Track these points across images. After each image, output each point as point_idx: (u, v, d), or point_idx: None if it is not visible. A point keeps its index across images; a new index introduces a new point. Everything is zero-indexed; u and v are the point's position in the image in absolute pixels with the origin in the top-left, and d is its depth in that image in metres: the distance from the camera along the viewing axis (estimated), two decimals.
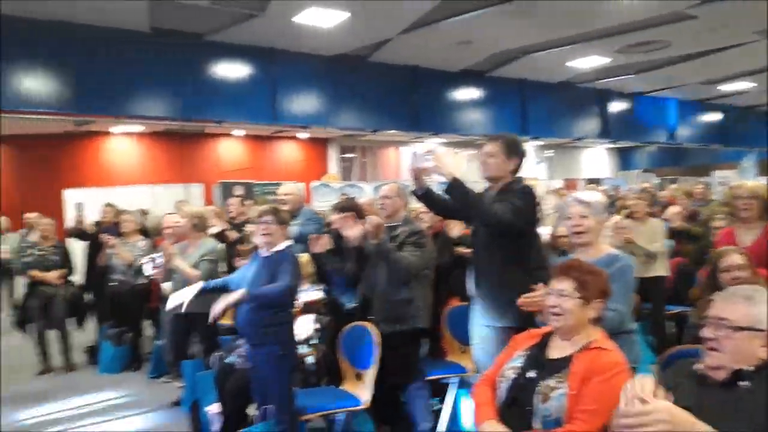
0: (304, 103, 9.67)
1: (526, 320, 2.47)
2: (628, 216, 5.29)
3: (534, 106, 12.50)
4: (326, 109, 9.89)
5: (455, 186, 2.68)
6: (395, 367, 3.39)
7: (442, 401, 3.84)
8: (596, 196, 2.63)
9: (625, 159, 18.91)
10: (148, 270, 4.85)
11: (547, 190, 10.90)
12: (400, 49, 9.45)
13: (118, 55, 7.44)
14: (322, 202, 10.14)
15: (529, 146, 15.02)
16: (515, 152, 2.92)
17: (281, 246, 3.23)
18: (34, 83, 6.90)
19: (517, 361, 2.10)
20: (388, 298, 3.41)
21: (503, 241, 2.79)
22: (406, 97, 10.76)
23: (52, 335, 5.64)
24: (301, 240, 4.23)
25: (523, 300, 2.36)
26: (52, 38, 6.96)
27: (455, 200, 2.78)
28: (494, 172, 2.92)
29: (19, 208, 8.98)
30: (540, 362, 2.04)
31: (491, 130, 10.81)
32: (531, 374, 2.02)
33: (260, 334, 3.14)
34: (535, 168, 15.07)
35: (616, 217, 5.38)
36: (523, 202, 2.77)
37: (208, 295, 3.32)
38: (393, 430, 3.59)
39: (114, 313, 5.67)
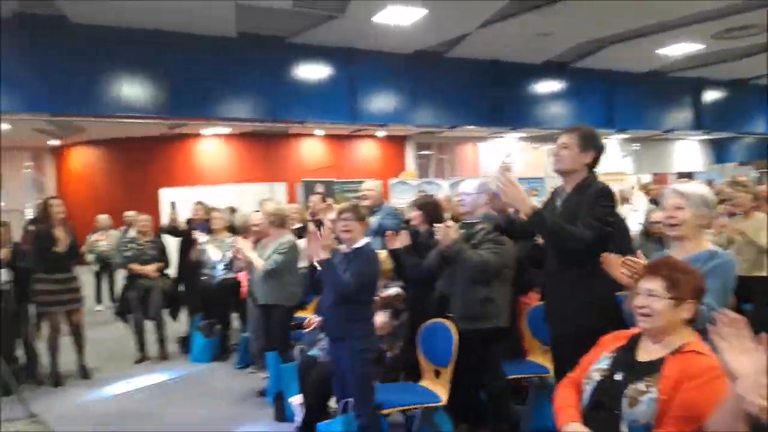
0: (383, 101, 9.76)
1: (611, 322, 2.36)
2: (730, 212, 4.95)
3: (620, 97, 11.97)
4: (404, 107, 9.93)
5: (535, 220, 2.61)
6: (474, 365, 3.36)
7: (522, 402, 3.77)
8: (697, 188, 2.39)
9: (719, 151, 17.72)
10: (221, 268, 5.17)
11: (636, 185, 10.41)
12: (479, 43, 9.33)
13: (208, 60, 7.82)
14: (400, 199, 10.21)
15: (615, 139, 14.42)
16: (591, 145, 2.75)
17: (360, 243, 3.27)
18: (132, 89, 7.38)
19: (603, 362, 2.02)
20: (467, 296, 3.38)
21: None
22: (485, 91, 10.62)
23: (149, 326, 6.01)
24: (380, 233, 4.29)
25: (624, 261, 2.23)
26: (148, 46, 7.41)
27: (538, 232, 2.83)
28: (567, 165, 2.77)
29: (119, 207, 9.63)
30: (628, 365, 1.95)
31: (574, 123, 10.44)
32: (618, 377, 1.94)
33: (341, 328, 3.21)
34: (621, 162, 14.42)
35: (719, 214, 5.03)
36: (602, 210, 2.62)
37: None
38: (471, 429, 3.56)
39: (204, 306, 5.97)
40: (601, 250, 2.45)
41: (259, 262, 4.54)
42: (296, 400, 3.89)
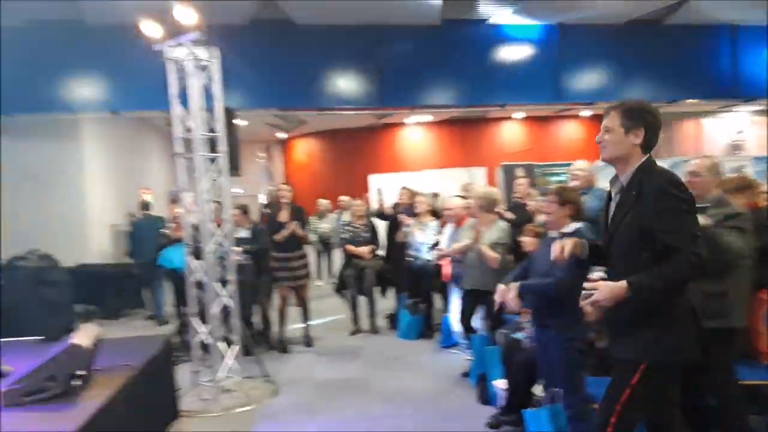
0: (590, 78, 9.19)
1: None
2: None
3: None
4: (614, 83, 9.23)
5: (637, 292, 2.15)
6: (702, 366, 3.02)
7: (761, 411, 3.31)
8: None
9: None
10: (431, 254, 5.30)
11: None
12: (703, 7, 8.25)
13: (414, 50, 8.10)
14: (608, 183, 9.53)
15: None
16: (638, 121, 2.27)
17: (569, 228, 3.12)
18: (347, 84, 7.97)
19: None
20: (696, 290, 3.03)
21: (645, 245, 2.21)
22: (712, 60, 9.38)
23: (362, 301, 6.50)
24: (588, 218, 4.05)
25: None
26: (361, 43, 7.92)
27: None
28: (612, 153, 2.33)
29: (335, 192, 10.50)
30: None
31: None
32: None
33: (549, 315, 3.12)
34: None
35: None
36: (674, 217, 2.12)
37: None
38: None
39: (410, 285, 6.27)
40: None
41: (492, 256, 4.51)
42: (500, 384, 3.90)
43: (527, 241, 3.96)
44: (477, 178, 11.81)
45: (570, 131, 14.31)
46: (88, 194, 9.37)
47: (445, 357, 5.49)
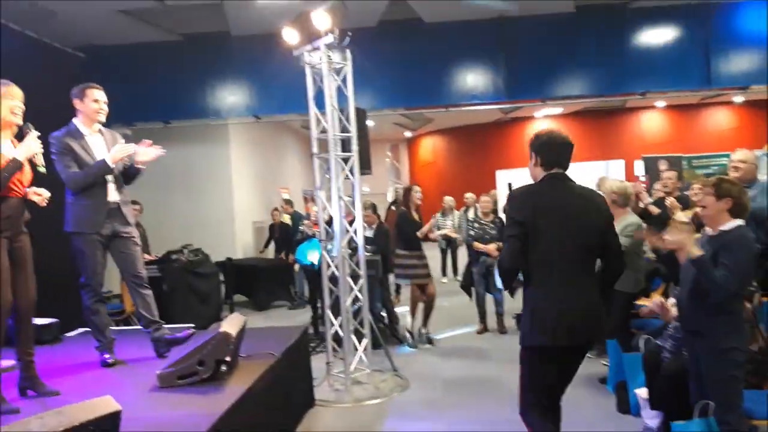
0: (746, 60, 8.25)
1: None
2: None
3: None
4: None
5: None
6: None
7: None
8: None
9: None
10: None
11: None
12: None
13: (544, 40, 7.80)
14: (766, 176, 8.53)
15: None
16: None
17: (728, 225, 2.81)
18: (474, 78, 7.88)
19: None
20: None
21: None
22: None
23: (489, 299, 6.39)
24: (752, 216, 3.64)
25: None
26: (490, 36, 7.78)
27: None
28: None
29: (461, 189, 10.44)
30: None
31: None
32: None
33: (701, 321, 2.85)
34: None
35: None
36: None
37: None
38: None
39: None
40: None
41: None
42: (642, 393, 3.65)
43: (674, 240, 3.63)
44: (614, 172, 11.14)
45: (719, 119, 13.06)
46: (235, 194, 10.20)
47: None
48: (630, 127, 14.13)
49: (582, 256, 2.55)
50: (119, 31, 7.23)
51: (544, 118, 15.88)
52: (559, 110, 14.66)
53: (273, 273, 8.94)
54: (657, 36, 8.15)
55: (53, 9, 6.20)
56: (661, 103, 12.88)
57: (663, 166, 9.24)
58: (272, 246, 9.60)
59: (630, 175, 11.62)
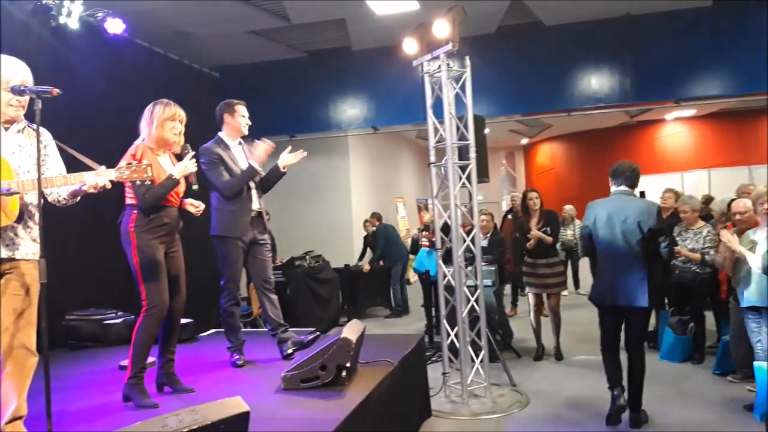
0: None
1: None
2: None
3: None
4: None
5: None
6: None
7: None
8: None
9: None
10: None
11: None
12: None
13: (677, 37, 7.25)
14: None
15: None
16: None
17: None
18: (597, 81, 7.49)
19: None
20: None
21: None
22: None
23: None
24: None
25: None
26: (614, 36, 7.37)
27: None
28: None
29: (582, 197, 9.96)
30: None
31: None
32: None
33: None
34: None
35: None
36: None
37: None
38: None
39: (677, 301, 5.61)
40: None
41: (753, 258, 3.97)
42: None
43: None
44: (759, 179, 10.10)
45: None
46: (353, 203, 10.55)
47: (719, 385, 4.77)
48: None
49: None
50: (249, 51, 7.72)
51: (674, 121, 14.78)
52: (691, 112, 13.57)
53: (372, 280, 9.06)
54: None
55: (191, 32, 6.75)
56: None
57: None
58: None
59: None
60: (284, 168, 3.99)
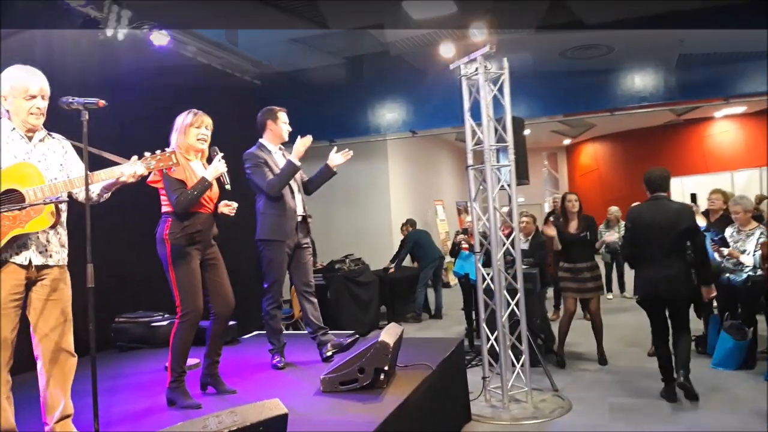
0: None
1: None
2: None
3: None
4: None
5: None
6: None
7: None
8: None
9: None
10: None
11: None
12: None
13: (725, 30, 7.02)
14: None
15: None
16: None
17: None
18: (641, 79, 7.31)
19: None
20: None
21: None
22: None
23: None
24: None
25: None
26: (656, 31, 7.18)
27: None
28: None
29: (627, 199, 9.70)
30: None
31: None
32: None
33: None
34: None
35: None
36: None
37: None
38: None
39: (729, 306, 5.42)
40: None
41: None
42: None
43: None
44: None
45: None
46: (392, 206, 10.57)
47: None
48: None
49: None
50: (290, 58, 7.85)
51: (723, 119, 14.26)
52: (742, 109, 13.07)
53: (411, 284, 8.99)
54: None
55: (232, 42, 6.91)
56: None
57: None
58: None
59: None
60: (335, 167, 4.07)
